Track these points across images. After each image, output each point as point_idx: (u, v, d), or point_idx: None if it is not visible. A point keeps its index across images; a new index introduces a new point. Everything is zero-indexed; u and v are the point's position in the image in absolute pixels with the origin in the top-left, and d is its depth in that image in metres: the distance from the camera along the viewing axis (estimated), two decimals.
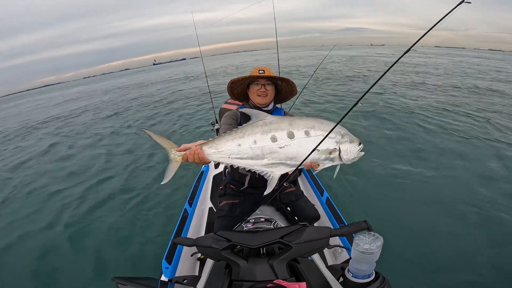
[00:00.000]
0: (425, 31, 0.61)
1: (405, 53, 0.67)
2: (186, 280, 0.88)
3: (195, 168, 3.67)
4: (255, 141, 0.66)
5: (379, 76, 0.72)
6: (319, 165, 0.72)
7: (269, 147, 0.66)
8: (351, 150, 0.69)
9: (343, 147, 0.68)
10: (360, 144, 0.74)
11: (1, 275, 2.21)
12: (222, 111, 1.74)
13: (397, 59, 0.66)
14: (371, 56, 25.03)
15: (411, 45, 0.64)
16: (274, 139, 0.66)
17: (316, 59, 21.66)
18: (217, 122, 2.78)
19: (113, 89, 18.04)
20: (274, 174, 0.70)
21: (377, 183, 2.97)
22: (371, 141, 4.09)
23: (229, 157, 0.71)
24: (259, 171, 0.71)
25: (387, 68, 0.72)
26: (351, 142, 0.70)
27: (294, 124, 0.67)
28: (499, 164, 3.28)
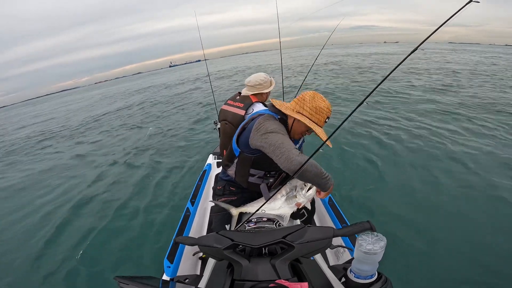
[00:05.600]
0: (435, 29, 0.61)
1: (412, 52, 0.67)
2: (188, 279, 0.88)
3: (196, 165, 3.69)
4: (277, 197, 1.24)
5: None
6: (301, 204, 1.20)
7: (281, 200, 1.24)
8: (302, 193, 1.19)
9: (298, 193, 1.20)
10: (309, 189, 1.20)
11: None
12: (222, 113, 1.77)
13: (403, 58, 0.66)
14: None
15: (418, 44, 0.64)
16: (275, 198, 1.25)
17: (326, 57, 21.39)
18: (219, 122, 2.78)
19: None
20: (286, 213, 1.22)
21: (381, 184, 2.95)
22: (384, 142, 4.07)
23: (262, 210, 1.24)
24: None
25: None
26: (301, 189, 1.20)
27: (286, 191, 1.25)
28: None
